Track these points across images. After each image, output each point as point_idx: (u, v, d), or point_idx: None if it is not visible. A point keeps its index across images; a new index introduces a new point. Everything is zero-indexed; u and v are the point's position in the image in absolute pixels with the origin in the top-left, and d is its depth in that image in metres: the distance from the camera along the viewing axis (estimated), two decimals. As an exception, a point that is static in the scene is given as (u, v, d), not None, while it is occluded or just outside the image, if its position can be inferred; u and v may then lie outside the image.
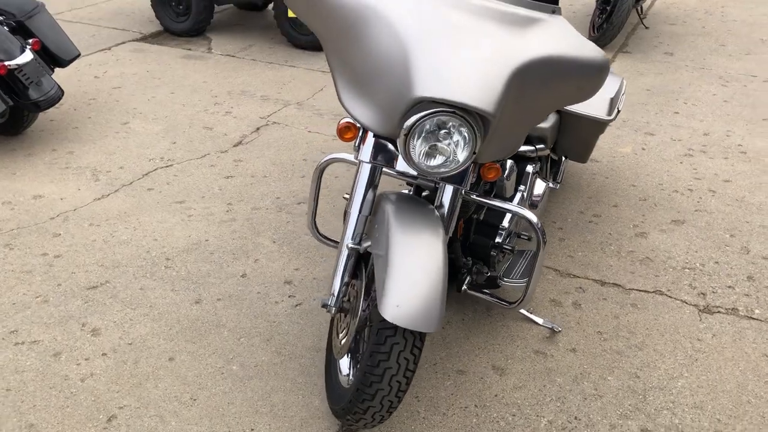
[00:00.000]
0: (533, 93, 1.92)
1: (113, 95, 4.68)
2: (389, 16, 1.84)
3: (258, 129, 4.20)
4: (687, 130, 4.25)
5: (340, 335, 2.09)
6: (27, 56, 3.55)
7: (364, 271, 2.02)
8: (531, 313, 2.58)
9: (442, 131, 1.82)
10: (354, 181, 2.03)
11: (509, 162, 2.50)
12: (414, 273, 1.75)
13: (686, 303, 2.68)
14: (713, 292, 2.75)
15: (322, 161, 2.30)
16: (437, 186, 2.09)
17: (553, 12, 1.99)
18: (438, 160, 1.87)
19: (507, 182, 2.49)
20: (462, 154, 1.85)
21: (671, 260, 2.95)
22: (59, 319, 2.56)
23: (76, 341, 2.45)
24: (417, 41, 1.80)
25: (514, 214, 2.15)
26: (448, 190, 2.03)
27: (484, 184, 2.41)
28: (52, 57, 3.84)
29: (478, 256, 2.46)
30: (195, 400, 2.21)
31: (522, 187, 2.65)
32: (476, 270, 2.48)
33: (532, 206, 2.67)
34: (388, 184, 3.49)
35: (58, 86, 3.78)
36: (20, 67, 3.51)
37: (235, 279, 2.79)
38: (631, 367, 2.36)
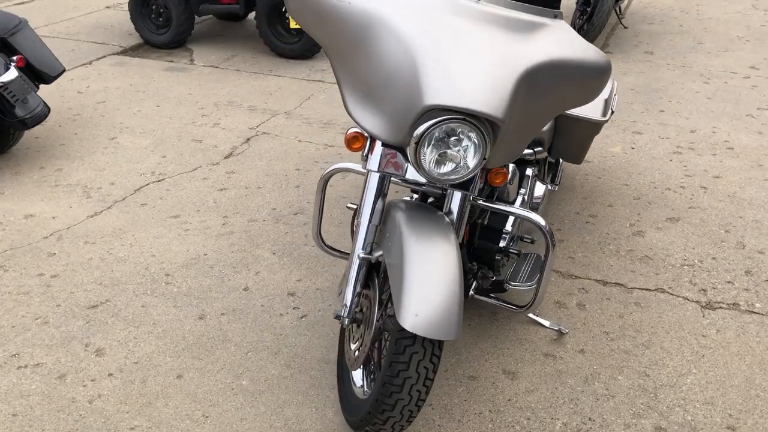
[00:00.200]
0: (539, 97, 1.93)
1: (98, 110, 4.63)
2: (396, 26, 1.84)
3: (248, 140, 4.18)
4: (674, 128, 4.30)
5: (353, 346, 2.08)
6: (12, 74, 3.49)
7: (376, 280, 2.02)
8: (537, 315, 2.59)
9: (452, 138, 1.83)
10: (363, 191, 2.02)
11: (511, 166, 2.51)
12: (431, 281, 1.75)
13: (688, 300, 2.71)
14: (713, 288, 2.78)
15: (326, 172, 2.30)
16: (444, 193, 2.09)
17: (555, 17, 2.00)
18: (448, 167, 1.87)
19: (510, 186, 2.50)
20: (472, 161, 1.85)
21: (670, 258, 2.98)
22: (61, 340, 2.51)
23: (80, 362, 2.41)
24: (424, 50, 1.80)
25: (522, 218, 2.16)
26: (457, 196, 2.03)
27: (488, 189, 2.41)
28: (36, 74, 3.78)
29: (482, 260, 2.46)
30: (207, 417, 2.18)
31: (522, 191, 2.66)
32: (482, 275, 2.48)
33: (533, 209, 2.69)
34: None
35: (44, 103, 3.73)
36: (5, 85, 3.46)
37: (237, 292, 2.77)
38: (639, 366, 2.38)
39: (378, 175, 2.00)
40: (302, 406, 2.22)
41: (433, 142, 1.82)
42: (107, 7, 7.40)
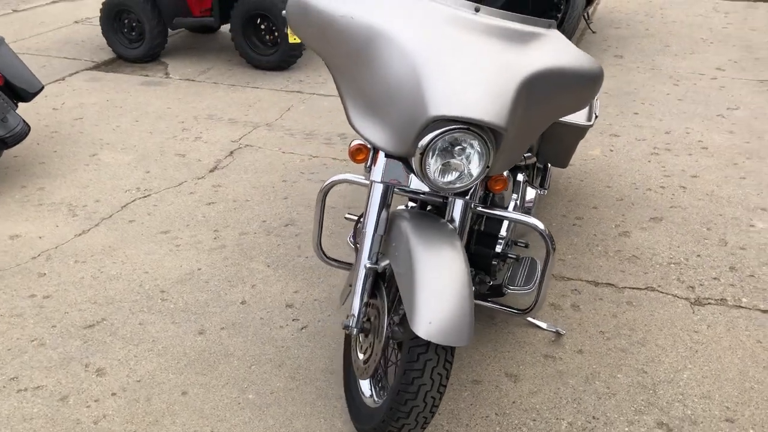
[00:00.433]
0: (537, 105, 1.98)
1: (76, 126, 4.58)
2: (399, 39, 1.87)
3: (232, 153, 4.17)
4: (649, 130, 4.41)
5: (362, 356, 2.10)
6: (-9, 93, 3.45)
7: (384, 289, 2.04)
8: (534, 318, 2.64)
9: (456, 148, 1.87)
10: (367, 201, 2.05)
11: (506, 172, 2.56)
12: (442, 288, 1.78)
13: (678, 297, 2.79)
14: (701, 284, 2.86)
15: (325, 184, 2.32)
16: (445, 201, 2.12)
17: (549, 26, 2.06)
18: (452, 175, 1.91)
19: (505, 192, 2.54)
20: (476, 169, 1.89)
21: (656, 257, 3.06)
22: (60, 361, 2.48)
23: (81, 383, 2.38)
24: (427, 61, 1.84)
25: (523, 223, 2.20)
26: (459, 204, 2.07)
27: (485, 196, 2.46)
28: (15, 91, 3.73)
29: (479, 266, 2.50)
30: (216, 432, 2.18)
31: (515, 196, 2.71)
32: (479, 280, 2.52)
33: (525, 213, 2.74)
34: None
35: (24, 121, 3.68)
36: (-14, 105, 3.41)
37: (235, 306, 2.77)
38: (637, 363, 2.44)
39: (382, 185, 2.03)
40: (311, 418, 2.23)
41: (437, 152, 1.86)
42: (76, 22, 7.32)
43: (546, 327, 2.61)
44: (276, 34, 5.59)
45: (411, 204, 2.47)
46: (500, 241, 2.48)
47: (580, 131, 2.98)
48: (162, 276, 2.97)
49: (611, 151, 4.12)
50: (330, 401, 2.29)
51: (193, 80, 5.53)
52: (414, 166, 1.90)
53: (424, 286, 1.78)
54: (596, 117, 3.12)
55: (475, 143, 1.85)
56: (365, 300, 2.03)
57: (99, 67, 5.90)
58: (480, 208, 2.20)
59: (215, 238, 3.25)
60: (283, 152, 4.17)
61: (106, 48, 6.34)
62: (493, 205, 2.51)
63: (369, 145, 2.07)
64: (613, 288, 2.85)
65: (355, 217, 2.42)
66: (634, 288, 2.85)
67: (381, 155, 2.03)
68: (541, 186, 3.10)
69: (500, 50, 1.92)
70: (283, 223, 3.38)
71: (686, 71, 5.57)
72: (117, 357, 2.50)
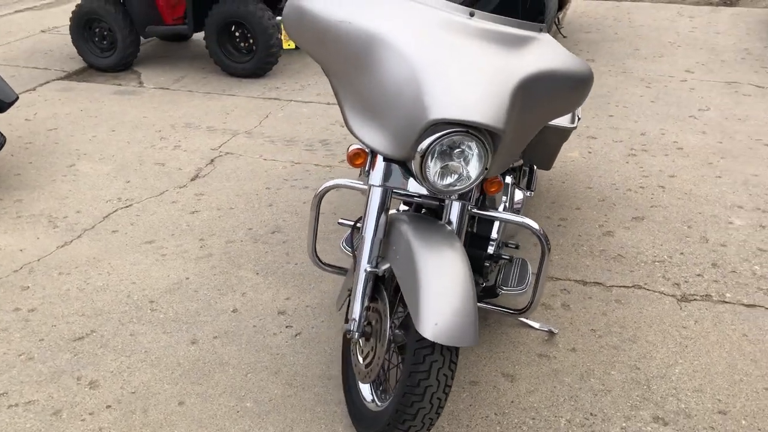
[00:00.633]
0: (532, 107, 2.02)
1: (51, 137, 4.50)
2: (397, 44, 1.88)
3: (212, 161, 4.14)
4: (625, 132, 4.49)
5: (364, 360, 2.10)
6: (-33, 103, 3.38)
7: (384, 293, 2.04)
8: (526, 318, 2.67)
9: (456, 150, 1.88)
10: (366, 206, 2.05)
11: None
12: (445, 289, 1.79)
13: (664, 294, 2.84)
14: (685, 281, 2.92)
15: (320, 189, 2.32)
16: (441, 204, 2.14)
17: (540, 30, 2.09)
18: (450, 178, 1.93)
19: (497, 195, 2.57)
20: (475, 171, 1.91)
21: (641, 255, 3.11)
22: (50, 375, 2.44)
23: (74, 396, 2.34)
24: (425, 65, 1.86)
25: (519, 225, 2.23)
26: (456, 206, 2.09)
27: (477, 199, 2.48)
28: (-11, 102, 3.66)
29: (472, 268, 2.52)
30: (216, 442, 2.16)
31: (504, 198, 2.74)
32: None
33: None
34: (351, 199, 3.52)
35: (0, 132, 3.61)
36: (-39, 115, 3.34)
37: (226, 315, 2.75)
38: (629, 360, 2.48)
39: (381, 189, 2.03)
40: (311, 423, 2.22)
41: (436, 155, 1.87)
42: (42, 32, 7.20)
43: (539, 327, 2.64)
44: (251, 41, 5.57)
45: (403, 207, 2.48)
46: (492, 242, 2.51)
47: (564, 133, 3.02)
48: (150, 286, 2.93)
49: (590, 153, 4.19)
50: (329, 407, 2.29)
51: (167, 89, 5.47)
52: (414, 170, 1.91)
53: (428, 288, 1.79)
54: (579, 119, 3.17)
55: (474, 146, 1.87)
56: (366, 304, 2.03)
57: (70, 76, 5.81)
58: (475, 210, 2.22)
59: (201, 247, 3.22)
60: (265, 159, 4.15)
61: (76, 57, 6.26)
62: (485, 208, 2.53)
63: (367, 150, 2.08)
64: (601, 287, 2.90)
65: (349, 223, 2.42)
66: (621, 286, 2.90)
67: (379, 159, 2.04)
68: (528, 188, 3.14)
69: (495, 54, 1.95)
70: (269, 230, 3.36)
71: (657, 74, 5.69)
72: (109, 369, 2.46)
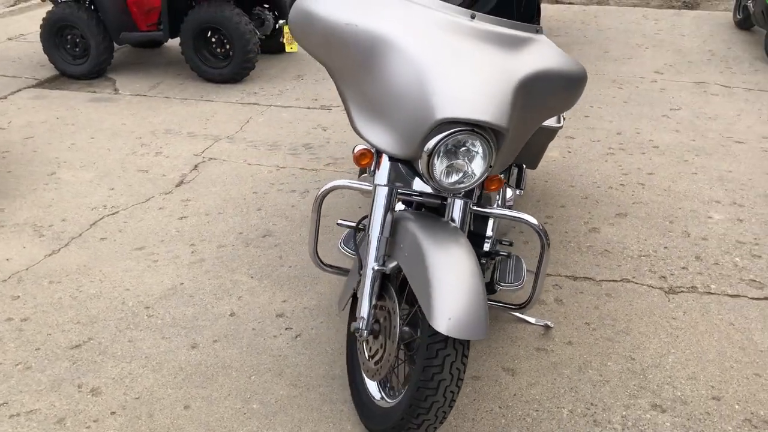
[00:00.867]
0: (531, 105, 2.07)
1: (28, 146, 4.43)
2: (402, 46, 1.92)
3: (196, 166, 4.13)
4: (602, 131, 4.60)
5: (373, 358, 2.12)
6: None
7: (392, 291, 2.07)
8: (522, 313, 2.73)
9: (462, 149, 1.93)
10: (372, 205, 2.08)
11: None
12: (456, 285, 1.83)
13: (652, 287, 2.93)
14: (671, 274, 3.01)
15: (321, 190, 2.33)
16: (444, 203, 2.18)
17: (537, 31, 2.15)
18: (455, 176, 1.98)
19: (492, 193, 2.62)
20: (479, 169, 1.96)
21: (627, 250, 3.20)
22: (50, 384, 2.41)
23: (77, 404, 2.32)
24: (430, 66, 1.90)
25: (520, 221, 2.27)
26: (458, 204, 2.13)
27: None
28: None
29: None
30: (226, 444, 2.16)
31: (497, 197, 2.80)
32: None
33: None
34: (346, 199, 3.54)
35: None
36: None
37: (224, 319, 2.75)
38: (624, 351, 2.55)
39: (387, 188, 2.07)
40: (319, 423, 2.24)
41: (443, 154, 1.92)
42: (9, 39, 7.08)
43: (534, 321, 2.70)
44: (228, 46, 5.56)
45: (399, 207, 2.51)
46: (487, 240, 2.56)
47: (551, 133, 3.09)
48: (144, 292, 2.91)
49: (569, 152, 4.28)
50: (336, 405, 2.31)
51: (144, 95, 5.43)
52: (420, 168, 1.95)
53: (440, 284, 1.82)
54: (564, 119, 3.25)
55: (478, 144, 1.92)
56: (374, 302, 2.06)
57: (42, 84, 5.72)
58: (476, 208, 2.27)
59: (193, 252, 3.21)
60: (249, 164, 4.15)
61: (47, 65, 6.15)
62: (482, 205, 2.59)
63: (373, 150, 2.11)
64: (591, 281, 2.97)
65: (348, 224, 2.45)
66: (610, 280, 2.98)
67: (384, 159, 2.08)
68: (518, 186, 3.20)
69: (496, 54, 2.00)
70: (260, 234, 3.37)
71: (627, 75, 5.83)
72: (110, 375, 2.45)
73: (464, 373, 1.89)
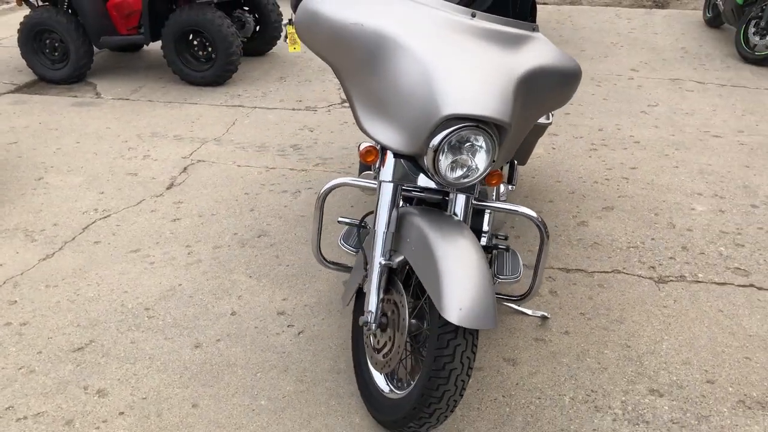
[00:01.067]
0: (530, 101, 2.14)
1: (12, 151, 4.39)
2: (408, 44, 1.97)
3: (185, 169, 4.13)
4: (584, 128, 4.70)
5: (381, 351, 2.16)
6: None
7: (400, 284, 2.12)
8: (519, 305, 2.79)
9: (466, 144, 1.98)
10: (377, 201, 2.13)
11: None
12: (465, 276, 1.88)
13: (642, 277, 3.01)
14: (660, 264, 3.10)
15: (324, 188, 2.37)
16: (445, 198, 2.23)
17: (533, 29, 2.22)
18: (459, 171, 2.03)
19: (488, 188, 2.68)
20: (483, 163, 2.02)
21: (615, 242, 3.29)
22: (55, 386, 2.41)
23: (84, 406, 2.33)
24: (435, 65, 1.95)
25: (520, 215, 2.33)
26: (460, 199, 2.18)
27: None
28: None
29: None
30: (237, 440, 2.19)
31: (492, 192, 2.86)
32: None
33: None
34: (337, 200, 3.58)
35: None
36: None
37: (226, 318, 2.77)
38: (620, 339, 2.63)
39: (392, 184, 2.11)
40: (327, 417, 2.28)
41: (448, 149, 1.97)
42: (-16, 45, 6.98)
43: (531, 313, 2.76)
44: (210, 49, 5.56)
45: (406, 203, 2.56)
46: (484, 234, 2.62)
47: (541, 129, 3.17)
48: (143, 294, 2.92)
49: (553, 149, 4.37)
50: (343, 399, 2.35)
51: (126, 99, 5.41)
52: (426, 164, 2.00)
53: (449, 275, 1.87)
54: (552, 116, 3.33)
55: (481, 139, 1.98)
56: (381, 296, 2.11)
57: (21, 89, 5.67)
58: (476, 202, 2.32)
59: (189, 254, 3.22)
60: (239, 166, 4.17)
61: (24, 70, 6.10)
62: (481, 200, 2.64)
63: (378, 147, 2.15)
64: (583, 273, 3.05)
65: (350, 221, 2.49)
66: (602, 272, 3.06)
67: (389, 156, 2.12)
68: (510, 182, 3.26)
69: (497, 52, 2.06)
70: (255, 234, 3.39)
71: (604, 73, 5.95)
72: (116, 377, 2.45)
73: (474, 362, 1.94)
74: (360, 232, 2.39)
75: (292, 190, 3.83)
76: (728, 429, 2.21)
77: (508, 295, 2.51)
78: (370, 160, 2.14)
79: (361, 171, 2.87)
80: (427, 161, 1.99)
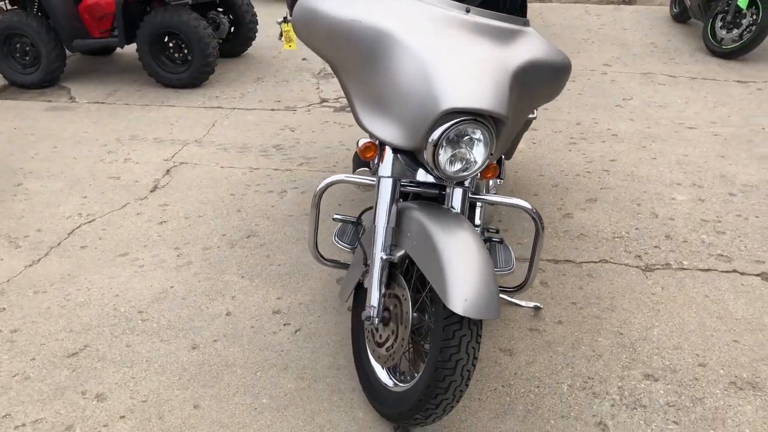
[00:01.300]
0: (525, 94, 2.18)
1: (-12, 157, 4.31)
2: (405, 40, 2.00)
3: (168, 171, 4.10)
4: (562, 123, 4.77)
5: (384, 345, 2.18)
6: None
7: (401, 278, 2.14)
8: (512, 297, 2.83)
9: (465, 138, 2.01)
10: (376, 197, 2.14)
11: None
12: (468, 267, 1.91)
13: (629, 266, 3.08)
14: (645, 253, 3.17)
15: (320, 186, 2.37)
16: (442, 193, 2.25)
17: (525, 24, 2.26)
18: (458, 165, 2.06)
19: (481, 182, 2.72)
20: (481, 156, 2.05)
21: (601, 233, 3.35)
22: (52, 392, 2.38)
23: (83, 411, 2.30)
24: (433, 60, 1.98)
25: (516, 207, 2.36)
26: (458, 192, 2.21)
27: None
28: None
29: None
30: (242, 439, 2.19)
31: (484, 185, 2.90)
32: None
33: None
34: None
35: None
36: None
37: (221, 319, 2.76)
38: (612, 327, 2.68)
39: (391, 180, 2.13)
40: (331, 412, 2.29)
41: (447, 143, 2.00)
42: (-51, 50, 6.81)
43: (524, 304, 2.80)
44: (186, 51, 5.52)
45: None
46: (476, 228, 2.65)
47: (527, 123, 3.22)
48: (135, 297, 2.90)
49: (534, 143, 4.43)
50: (345, 394, 2.36)
51: (102, 103, 5.34)
52: (426, 158, 2.03)
53: (452, 267, 1.90)
54: (537, 110, 3.38)
55: (479, 133, 2.01)
56: (383, 291, 2.12)
57: (-8, 95, 5.56)
58: (473, 195, 2.35)
59: (179, 256, 3.20)
60: (222, 167, 4.15)
61: (-5, 75, 5.98)
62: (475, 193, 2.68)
63: (376, 143, 2.17)
64: (572, 264, 3.10)
65: (346, 218, 2.50)
66: (590, 262, 3.11)
67: (388, 151, 2.14)
68: (498, 176, 3.30)
69: (491, 46, 2.09)
70: (244, 234, 3.38)
71: (578, 68, 6.04)
72: (113, 381, 2.43)
73: (479, 351, 1.97)
74: (357, 229, 2.40)
75: (278, 190, 3.83)
76: (722, 410, 2.27)
77: (502, 287, 2.55)
78: (369, 156, 2.16)
79: (355, 168, 2.88)
80: (426, 156, 2.02)
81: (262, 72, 6.08)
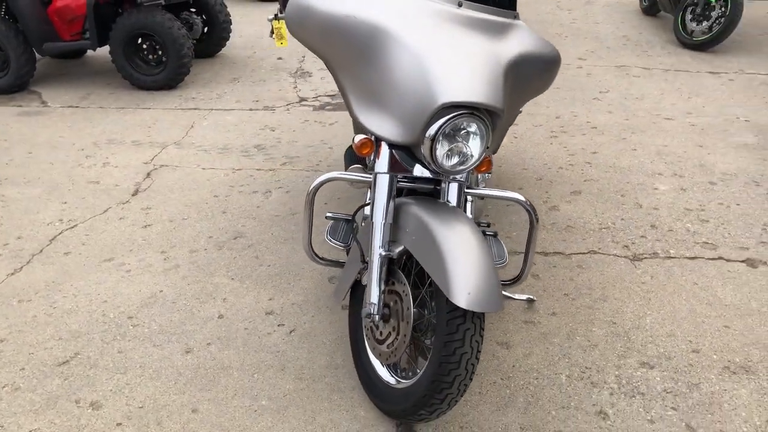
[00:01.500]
0: (518, 87, 2.19)
1: (-39, 165, 4.20)
2: (399, 35, 1.99)
3: (149, 174, 4.04)
4: (541, 117, 4.80)
5: (385, 341, 2.17)
6: None
7: (401, 274, 2.13)
8: (507, 289, 2.84)
9: (461, 132, 2.01)
10: (373, 193, 2.13)
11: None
12: (469, 260, 1.91)
13: (618, 256, 3.11)
14: (633, 243, 3.21)
15: (313, 185, 2.35)
16: (437, 188, 2.25)
17: (515, 17, 2.26)
18: (457, 159, 2.06)
19: (472, 176, 2.72)
20: (477, 150, 2.05)
21: (588, 224, 3.38)
22: (44, 402, 2.33)
23: (78, 420, 2.25)
24: (428, 54, 1.97)
25: (510, 200, 2.36)
26: (454, 186, 2.21)
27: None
28: None
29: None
30: (243, 442, 2.16)
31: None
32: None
33: None
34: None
35: None
36: None
37: (213, 321, 2.73)
38: (605, 317, 2.71)
39: (388, 175, 2.12)
40: (332, 412, 2.27)
41: (443, 138, 1.99)
42: None
43: (517, 297, 2.81)
44: (160, 52, 5.44)
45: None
46: (469, 222, 2.65)
47: (513, 117, 3.22)
48: (123, 303, 2.85)
49: (515, 138, 4.45)
50: (345, 393, 2.34)
51: (76, 107, 5.24)
52: (423, 153, 2.02)
53: (454, 261, 1.89)
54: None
55: (475, 126, 2.01)
56: (383, 288, 2.11)
57: (-39, 101, 5.42)
58: (467, 190, 2.35)
59: (165, 259, 3.15)
60: (203, 168, 4.10)
61: (-38, 81, 5.83)
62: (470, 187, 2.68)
63: (373, 139, 2.15)
64: (561, 255, 3.12)
65: (339, 216, 2.48)
66: (579, 253, 3.14)
67: (384, 148, 2.13)
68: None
69: (484, 40, 2.10)
70: (231, 236, 3.34)
71: (554, 63, 6.08)
72: (107, 388, 2.39)
73: (482, 345, 1.97)
74: (350, 227, 2.39)
75: (262, 190, 3.79)
76: (718, 394, 2.30)
77: (501, 280, 2.55)
78: (365, 152, 2.14)
79: (347, 165, 2.86)
80: (423, 150, 2.01)
81: (238, 72, 6.03)
